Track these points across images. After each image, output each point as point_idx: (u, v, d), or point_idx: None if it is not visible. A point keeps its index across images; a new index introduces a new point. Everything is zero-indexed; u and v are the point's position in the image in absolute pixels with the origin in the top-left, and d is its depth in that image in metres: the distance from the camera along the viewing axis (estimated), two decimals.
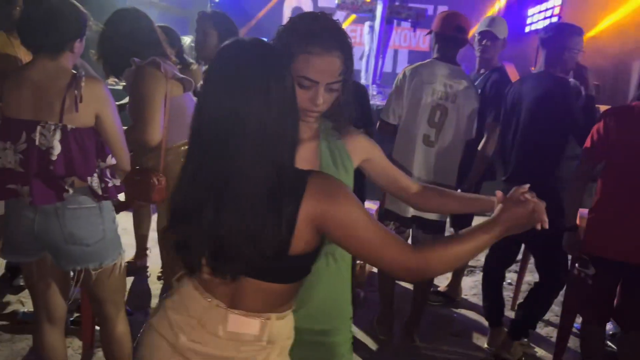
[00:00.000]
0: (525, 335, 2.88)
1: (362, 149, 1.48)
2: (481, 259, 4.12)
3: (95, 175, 1.87)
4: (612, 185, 2.34)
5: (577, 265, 2.48)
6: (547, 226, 1.19)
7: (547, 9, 7.23)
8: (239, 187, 1.02)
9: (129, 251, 3.58)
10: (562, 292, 2.85)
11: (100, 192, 1.87)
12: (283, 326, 1.21)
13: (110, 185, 1.90)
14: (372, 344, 2.92)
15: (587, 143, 2.39)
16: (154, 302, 3.21)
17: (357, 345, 2.80)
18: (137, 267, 3.56)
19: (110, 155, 1.91)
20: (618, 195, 2.31)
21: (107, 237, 1.95)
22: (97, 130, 1.87)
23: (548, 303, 2.80)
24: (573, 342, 2.96)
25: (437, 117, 2.69)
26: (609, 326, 3.05)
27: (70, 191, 1.82)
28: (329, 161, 1.38)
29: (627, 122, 2.30)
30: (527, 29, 7.84)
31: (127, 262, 3.48)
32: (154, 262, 3.62)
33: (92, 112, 1.83)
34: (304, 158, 1.30)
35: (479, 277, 3.85)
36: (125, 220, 4.01)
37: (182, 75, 2.25)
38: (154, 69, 2.14)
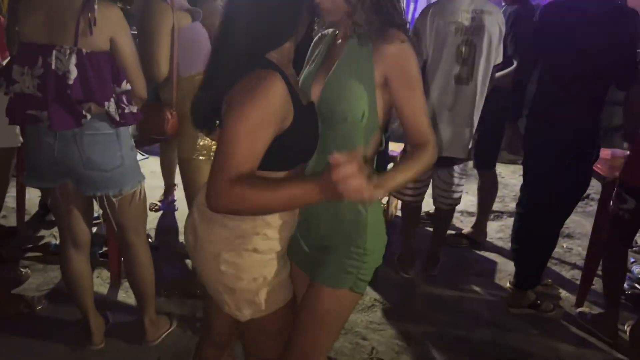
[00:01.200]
0: (532, 285, 2.76)
1: (383, 62, 1.24)
2: (510, 204, 4.08)
3: (112, 100, 1.88)
4: None
5: (612, 202, 2.44)
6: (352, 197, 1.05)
7: None
8: (223, 64, 1.23)
9: (158, 192, 3.68)
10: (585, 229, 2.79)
11: (117, 118, 1.89)
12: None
13: (127, 111, 1.91)
14: (393, 281, 2.94)
15: None
16: (182, 238, 3.30)
17: (379, 283, 2.82)
18: (167, 203, 3.64)
19: (125, 81, 1.91)
20: None
21: (125, 163, 1.98)
22: (113, 55, 1.87)
23: (538, 243, 2.70)
24: (598, 285, 2.91)
25: (465, 53, 2.58)
26: (638, 269, 2.99)
27: (88, 117, 1.85)
28: (343, 65, 1.30)
29: None
30: None
31: (159, 200, 3.63)
32: (182, 200, 3.69)
33: (106, 35, 1.83)
34: (332, 56, 1.34)
35: (505, 221, 3.80)
36: (153, 163, 4.13)
37: (189, 6, 2.22)
38: (160, 2, 2.11)
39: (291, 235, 1.41)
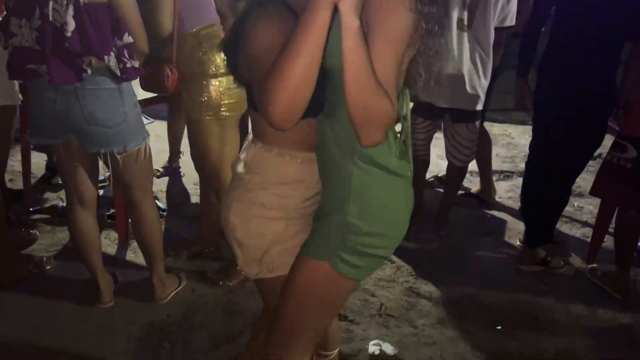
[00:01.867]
0: (541, 242, 2.73)
1: (366, 7, 1.01)
2: (520, 165, 4.02)
3: (113, 54, 1.83)
4: None
5: (612, 151, 2.41)
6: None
7: None
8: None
9: (164, 156, 3.65)
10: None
11: (118, 73, 1.84)
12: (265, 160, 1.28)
13: (128, 66, 1.86)
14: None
15: None
16: (193, 200, 3.29)
17: None
18: (172, 169, 3.62)
19: (126, 34, 1.85)
20: None
21: (128, 120, 1.94)
22: (111, 7, 1.81)
23: (545, 200, 2.67)
24: (609, 242, 2.88)
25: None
26: None
27: (89, 71, 1.80)
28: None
29: None
30: None
31: (162, 166, 3.61)
32: (188, 165, 3.67)
33: None
34: None
35: (516, 181, 3.75)
36: (158, 128, 4.09)
37: None
38: None
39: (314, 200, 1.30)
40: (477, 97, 2.64)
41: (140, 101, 2.10)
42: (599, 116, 2.44)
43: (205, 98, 2.20)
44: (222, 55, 2.03)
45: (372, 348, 2.13)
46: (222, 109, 2.21)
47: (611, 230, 2.93)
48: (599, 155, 4.27)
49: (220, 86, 2.19)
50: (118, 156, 1.98)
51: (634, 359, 2.17)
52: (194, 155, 2.41)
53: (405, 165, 1.19)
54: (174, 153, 3.66)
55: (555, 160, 2.53)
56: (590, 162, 4.10)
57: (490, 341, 2.22)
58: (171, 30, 2.11)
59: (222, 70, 2.16)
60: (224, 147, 2.29)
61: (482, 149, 3.36)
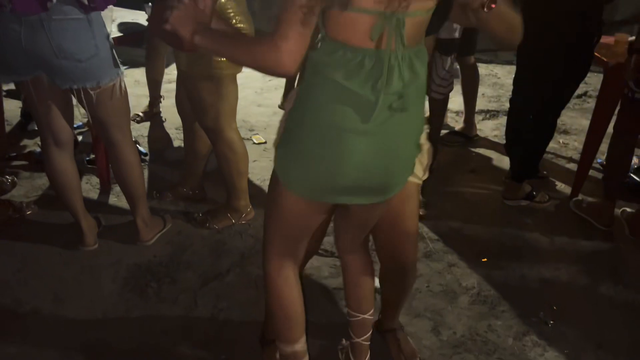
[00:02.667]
0: (527, 176, 2.73)
1: None
2: (506, 104, 3.99)
3: None
4: None
5: (627, 90, 2.33)
6: None
7: None
8: None
9: (144, 102, 3.55)
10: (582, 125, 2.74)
11: (86, 2, 1.74)
12: None
13: None
14: None
15: None
16: (176, 144, 3.22)
17: None
18: (152, 114, 3.53)
19: None
20: None
21: (100, 54, 1.85)
22: None
23: (531, 135, 2.66)
24: (592, 177, 2.90)
25: None
26: (635, 160, 2.95)
27: (54, 0, 1.70)
28: None
29: None
30: None
31: (142, 111, 3.51)
32: (168, 110, 3.59)
33: None
34: None
35: (501, 120, 3.73)
36: (137, 73, 3.96)
37: None
38: None
39: None
40: (453, 25, 2.55)
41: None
42: (586, 42, 2.39)
43: (199, 53, 2.02)
44: (227, 8, 1.94)
45: None
46: (216, 67, 2.07)
47: (595, 165, 2.96)
48: (585, 93, 4.29)
49: None
50: (92, 92, 1.89)
51: (617, 285, 2.21)
52: (191, 107, 2.29)
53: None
54: (155, 98, 3.56)
55: (542, 90, 2.49)
56: (576, 101, 4.16)
57: (475, 272, 2.25)
58: None
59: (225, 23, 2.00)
60: (219, 101, 2.17)
61: (470, 85, 3.32)
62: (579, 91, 4.32)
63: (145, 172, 2.87)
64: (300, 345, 1.50)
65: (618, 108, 2.53)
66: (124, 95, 2.02)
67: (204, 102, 2.17)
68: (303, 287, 1.52)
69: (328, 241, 2.09)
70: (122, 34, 2.72)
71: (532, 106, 2.57)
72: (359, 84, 1.09)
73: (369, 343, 1.64)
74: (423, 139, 1.35)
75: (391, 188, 1.28)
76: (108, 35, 1.91)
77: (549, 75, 2.44)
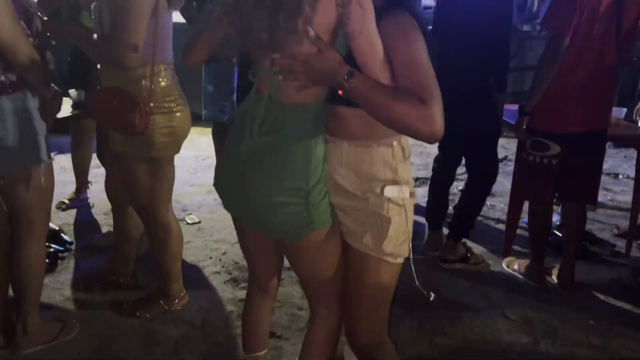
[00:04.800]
0: (466, 235, 2.88)
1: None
2: None
3: None
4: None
5: (527, 148, 2.50)
6: None
7: None
8: None
9: (70, 188, 3.42)
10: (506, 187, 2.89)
11: (7, 82, 1.70)
12: None
13: (2, 79, 1.72)
14: None
15: (557, 17, 2.30)
16: (103, 230, 3.08)
17: None
18: (79, 200, 3.40)
19: None
20: (566, 69, 2.30)
21: (8, 137, 1.76)
22: None
23: (481, 200, 2.86)
24: (521, 234, 3.01)
25: None
26: (555, 217, 3.12)
27: None
28: None
29: None
30: None
31: (68, 198, 3.37)
32: (96, 196, 3.47)
33: None
34: None
35: None
36: (64, 160, 3.84)
37: None
38: None
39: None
40: None
41: None
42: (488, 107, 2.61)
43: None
44: (166, 92, 1.96)
45: None
46: (155, 148, 2.01)
47: (522, 225, 3.09)
48: (505, 157, 4.56)
49: (155, 124, 1.96)
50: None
51: (555, 342, 2.24)
52: (126, 188, 2.21)
53: None
54: (81, 184, 3.44)
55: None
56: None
57: (420, 336, 2.23)
58: (136, 61, 1.84)
59: (163, 106, 1.98)
60: (155, 182, 2.10)
61: None
62: (499, 155, 4.63)
63: (71, 262, 2.72)
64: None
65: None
66: (46, 187, 1.91)
67: (140, 184, 2.10)
68: None
69: None
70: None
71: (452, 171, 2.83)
72: (244, 117, 1.33)
73: None
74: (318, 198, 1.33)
75: (267, 224, 1.35)
76: (31, 121, 1.83)
77: (462, 139, 2.62)
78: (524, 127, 2.45)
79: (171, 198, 2.24)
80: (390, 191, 1.31)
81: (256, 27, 1.19)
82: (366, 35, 1.15)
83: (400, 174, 1.32)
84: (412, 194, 1.35)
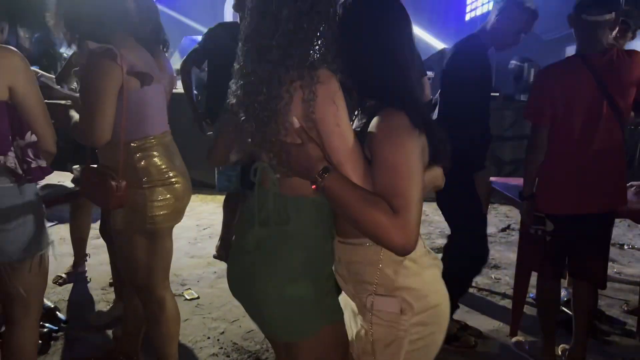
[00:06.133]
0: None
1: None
2: (436, 240, 4.11)
3: (11, 154, 1.70)
4: (558, 143, 2.30)
5: (532, 224, 2.44)
6: None
7: None
8: None
9: (68, 260, 3.38)
10: (510, 259, 2.82)
11: (20, 172, 1.72)
12: None
13: (33, 165, 1.74)
14: None
15: (532, 110, 2.33)
16: (97, 308, 3.00)
17: None
18: (77, 273, 3.34)
19: (30, 132, 1.74)
20: (564, 152, 2.29)
21: (27, 223, 1.78)
22: (15, 106, 1.71)
23: (462, 265, 2.69)
24: (528, 310, 2.93)
25: None
26: (563, 292, 3.04)
27: None
28: None
29: (566, 76, 2.26)
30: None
31: (66, 272, 3.32)
32: (94, 269, 3.42)
33: (4, 84, 1.67)
34: None
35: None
36: (63, 230, 3.81)
37: (140, 70, 1.90)
38: (108, 61, 1.80)
39: None
40: None
41: None
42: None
43: (133, 209, 1.98)
44: (159, 165, 1.98)
45: None
46: (150, 221, 2.00)
47: (529, 300, 3.01)
48: (508, 226, 4.53)
49: (151, 197, 1.98)
50: (9, 265, 1.77)
51: None
52: (121, 266, 2.20)
53: None
54: (79, 257, 3.40)
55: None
56: (501, 234, 4.37)
57: None
58: (106, 140, 1.87)
59: (157, 179, 1.99)
60: (153, 258, 2.08)
61: None
62: (502, 225, 4.61)
63: (64, 343, 2.62)
64: None
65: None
66: (44, 270, 1.89)
67: (138, 260, 2.06)
68: None
69: None
70: (48, 196, 2.65)
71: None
72: (251, 209, 1.33)
73: None
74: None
75: (268, 325, 1.31)
76: (39, 206, 1.85)
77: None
78: (528, 210, 2.42)
79: (168, 274, 2.19)
80: (376, 302, 1.22)
81: (248, 131, 1.22)
82: (338, 132, 1.14)
83: (394, 280, 1.21)
84: (404, 311, 1.20)
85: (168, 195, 2.01)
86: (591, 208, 2.30)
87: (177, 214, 2.09)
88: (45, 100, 1.86)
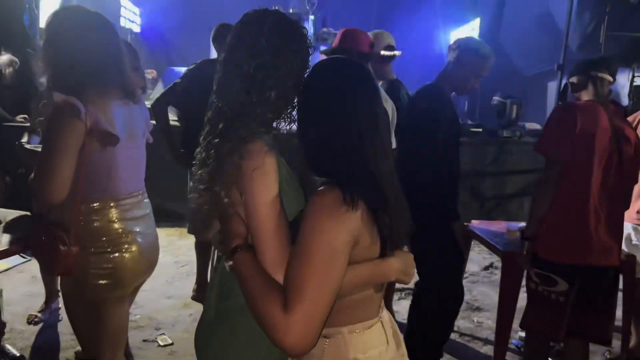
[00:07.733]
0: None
1: None
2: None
3: None
4: (570, 182, 2.23)
5: (543, 285, 2.30)
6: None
7: None
8: None
9: (39, 300, 3.26)
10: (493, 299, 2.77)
11: None
12: None
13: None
14: None
15: (546, 145, 2.26)
16: (64, 355, 2.88)
17: None
18: (51, 310, 3.24)
19: None
20: (569, 197, 2.23)
21: None
22: None
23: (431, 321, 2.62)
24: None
25: None
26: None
27: None
28: None
29: (587, 117, 2.21)
30: None
31: (39, 310, 3.21)
32: None
33: None
34: None
35: None
36: (35, 269, 3.69)
37: (105, 129, 1.78)
38: (71, 117, 1.70)
39: None
40: None
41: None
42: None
43: (75, 275, 1.80)
44: (115, 229, 1.83)
45: None
46: (88, 290, 1.84)
47: (511, 346, 2.95)
48: (491, 265, 4.49)
49: (95, 264, 1.82)
50: None
51: None
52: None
53: None
54: (52, 293, 3.28)
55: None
56: (484, 273, 4.32)
57: None
58: (61, 200, 1.72)
59: (108, 245, 1.84)
60: (99, 329, 1.90)
61: None
62: (485, 262, 4.57)
63: None
64: None
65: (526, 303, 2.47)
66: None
67: (81, 328, 1.94)
68: None
69: None
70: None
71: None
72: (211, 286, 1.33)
73: None
74: None
75: None
76: None
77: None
78: (527, 253, 2.31)
79: (122, 346, 2.02)
80: None
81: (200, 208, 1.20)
82: (255, 214, 1.08)
83: None
84: None
85: (109, 265, 1.83)
86: (600, 259, 2.20)
87: (122, 285, 1.90)
88: (27, 146, 1.79)
